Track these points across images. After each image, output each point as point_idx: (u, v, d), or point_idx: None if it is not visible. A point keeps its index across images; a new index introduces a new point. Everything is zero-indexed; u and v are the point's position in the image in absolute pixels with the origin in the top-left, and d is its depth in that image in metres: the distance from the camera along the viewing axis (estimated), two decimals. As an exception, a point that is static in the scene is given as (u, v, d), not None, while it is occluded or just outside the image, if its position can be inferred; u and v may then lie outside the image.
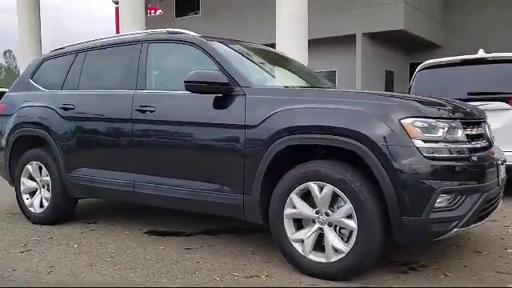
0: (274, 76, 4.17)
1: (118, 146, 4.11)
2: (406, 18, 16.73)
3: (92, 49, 4.63)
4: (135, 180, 3.99)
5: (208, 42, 3.86)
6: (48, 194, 4.67)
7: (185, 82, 3.49)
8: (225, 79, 3.49)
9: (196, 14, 21.12)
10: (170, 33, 4.22)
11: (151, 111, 3.87)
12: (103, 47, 4.55)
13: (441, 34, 19.70)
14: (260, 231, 4.24)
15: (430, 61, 6.40)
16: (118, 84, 4.30)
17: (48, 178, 4.64)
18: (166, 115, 3.80)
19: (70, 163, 4.44)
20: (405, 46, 19.21)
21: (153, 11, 22.52)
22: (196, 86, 3.48)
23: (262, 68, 4.17)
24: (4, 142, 5.02)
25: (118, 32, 36.56)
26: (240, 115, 3.40)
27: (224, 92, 3.51)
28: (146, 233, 4.40)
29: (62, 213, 4.70)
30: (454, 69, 6.05)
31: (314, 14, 14.19)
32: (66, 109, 4.50)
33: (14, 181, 4.96)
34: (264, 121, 3.28)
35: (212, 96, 3.57)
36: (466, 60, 5.97)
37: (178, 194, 3.73)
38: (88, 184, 4.34)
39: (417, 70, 6.47)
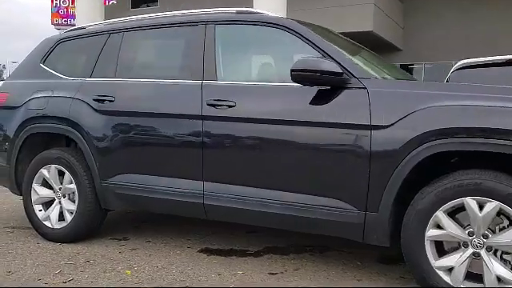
0: (371, 66, 3.55)
1: (181, 147, 3.36)
2: (375, 20, 16.66)
3: (132, 29, 3.81)
4: (206, 189, 3.25)
5: (302, 25, 3.19)
6: (72, 206, 3.80)
7: (292, 70, 2.83)
8: (339, 69, 2.85)
9: (154, 4, 20.00)
10: (240, 12, 3.50)
11: (230, 106, 3.15)
12: (148, 27, 3.75)
13: (401, 38, 19.90)
14: (333, 249, 3.65)
15: (467, 60, 6.04)
16: (174, 72, 3.55)
17: (73, 186, 3.78)
18: (252, 111, 3.11)
19: (109, 168, 3.61)
20: (368, 48, 19.15)
21: (107, 1, 21.15)
22: (306, 76, 2.83)
23: (359, 57, 3.54)
24: (9, 140, 4.07)
25: (53, 21, 34.46)
26: (362, 113, 2.78)
27: (336, 84, 2.88)
28: (200, 251, 3.68)
29: (89, 228, 3.86)
30: (495, 69, 5.70)
31: (292, 10, 13.74)
32: (101, 101, 3.66)
33: (22, 189, 4.03)
34: (400, 120, 2.68)
35: (314, 89, 2.93)
36: (510, 60, 5.64)
37: (269, 208, 3.05)
38: (134, 193, 3.54)
39: (452, 69, 6.08)
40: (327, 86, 2.90)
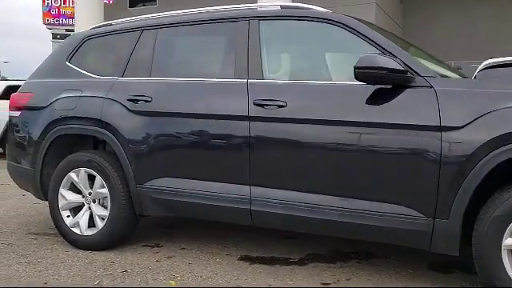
0: (430, 64, 3.37)
1: (225, 150, 3.18)
2: (377, 19, 16.53)
3: (167, 26, 3.61)
4: (254, 195, 3.06)
5: (357, 20, 3.01)
6: (103, 211, 3.60)
7: (356, 67, 2.66)
8: (402, 67, 2.68)
9: (152, 3, 19.74)
10: (285, 7, 3.32)
11: (280, 106, 2.97)
12: (185, 24, 3.55)
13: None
14: (378, 256, 3.49)
15: (494, 60, 5.91)
16: (215, 71, 3.37)
17: (105, 191, 3.57)
18: (305, 111, 2.93)
19: (145, 171, 3.42)
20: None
21: (105, 0, 20.83)
22: (371, 74, 2.66)
23: (415, 54, 3.36)
24: (33, 142, 3.86)
25: (44, 21, 34.03)
26: (430, 113, 2.62)
27: (400, 83, 2.72)
28: (240, 259, 3.49)
29: (122, 235, 3.66)
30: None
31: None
32: (136, 101, 3.47)
33: (48, 194, 3.81)
34: (474, 121, 2.52)
35: (373, 88, 2.77)
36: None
37: (325, 215, 2.87)
38: (173, 198, 3.34)
39: (479, 68, 5.95)
40: (390, 84, 2.73)
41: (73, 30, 31.12)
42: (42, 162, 3.79)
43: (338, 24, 3.00)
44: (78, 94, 3.69)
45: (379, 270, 3.26)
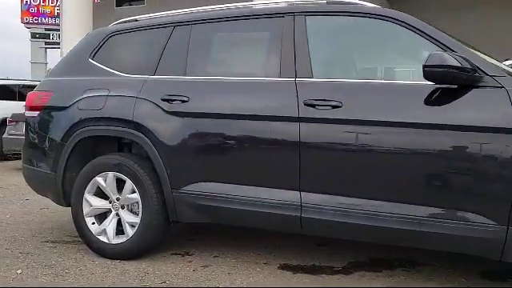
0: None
1: (272, 153, 3.00)
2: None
3: (203, 21, 3.41)
4: (305, 201, 2.88)
5: (413, 17, 2.87)
6: (133, 218, 3.38)
7: (425, 66, 2.50)
8: (470, 66, 2.54)
9: (140, 3, 19.40)
10: (331, 3, 3.15)
11: (335, 106, 2.81)
12: (223, 20, 3.35)
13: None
14: (422, 263, 3.35)
15: (513, 61, 5.85)
16: (257, 69, 3.19)
17: (136, 196, 3.35)
18: (363, 112, 2.76)
19: (182, 176, 3.21)
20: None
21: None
22: (440, 73, 2.50)
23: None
24: (55, 144, 3.62)
25: (22, 20, 33.10)
26: (503, 115, 2.48)
27: (467, 83, 2.58)
28: (281, 268, 3.32)
29: (152, 243, 3.45)
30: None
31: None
32: (171, 101, 3.26)
33: (71, 199, 3.57)
34: None
35: (433, 87, 2.62)
36: None
37: (384, 222, 2.71)
38: (212, 204, 3.14)
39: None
40: (457, 84, 2.58)
41: (56, 30, 30.54)
42: (65, 166, 3.54)
43: (395, 21, 2.85)
44: (106, 94, 3.46)
45: (430, 279, 3.12)
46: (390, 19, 2.88)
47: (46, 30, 33.41)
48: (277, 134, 2.96)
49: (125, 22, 3.84)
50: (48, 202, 5.45)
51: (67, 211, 4.95)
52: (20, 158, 8.55)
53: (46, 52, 35.95)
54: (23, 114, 8.56)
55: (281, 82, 3.00)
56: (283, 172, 2.95)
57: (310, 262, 3.43)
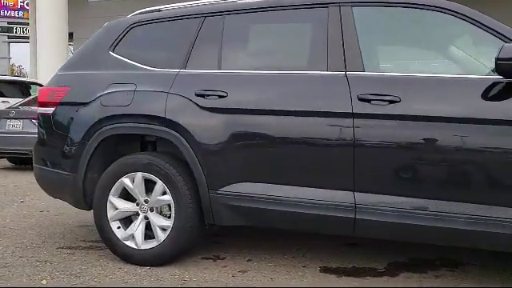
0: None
1: (321, 151, 2.84)
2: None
3: (237, 11, 3.21)
4: (359, 202, 2.74)
5: (476, 10, 2.75)
6: (165, 221, 3.17)
7: (498, 59, 2.39)
8: None
9: (115, -4, 18.84)
10: None
11: (392, 101, 2.67)
12: (260, 9, 3.16)
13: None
14: (466, 263, 3.27)
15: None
16: (301, 62, 3.03)
17: (168, 198, 3.14)
18: (424, 107, 2.63)
19: (221, 176, 3.02)
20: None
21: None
22: None
23: None
24: (74, 143, 3.36)
25: (-2, 9, 31.78)
26: None
27: None
28: (322, 271, 3.18)
29: (185, 247, 3.25)
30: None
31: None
32: (207, 96, 3.05)
33: (93, 202, 3.33)
34: None
35: (497, 81, 2.51)
36: None
37: (452, 223, 2.59)
38: (255, 206, 2.97)
39: None
40: None
41: (20, 23, 29.44)
42: (86, 167, 3.29)
43: (455, 13, 2.72)
44: (132, 89, 3.23)
45: (481, 279, 3.02)
46: (450, 11, 2.75)
47: (9, 23, 32.23)
48: (327, 130, 2.80)
49: (146, 12, 3.60)
50: (47, 204, 5.21)
51: (71, 214, 4.73)
52: (3, 157, 8.18)
53: (9, 46, 34.77)
54: (3, 110, 8.18)
55: (330, 75, 2.84)
56: (335, 171, 2.80)
57: (348, 263, 3.30)
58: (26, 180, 7.00)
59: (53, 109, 3.46)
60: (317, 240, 3.68)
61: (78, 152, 3.32)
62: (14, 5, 30.67)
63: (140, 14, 3.58)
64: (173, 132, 3.08)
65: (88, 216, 4.54)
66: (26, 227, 4.28)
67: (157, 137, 3.34)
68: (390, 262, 3.33)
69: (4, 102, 9.92)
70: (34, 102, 8.70)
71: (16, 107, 8.53)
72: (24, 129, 7.86)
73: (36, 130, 7.41)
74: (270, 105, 2.93)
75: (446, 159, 2.60)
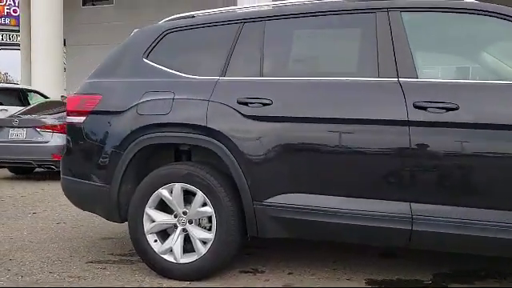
0: None
1: (373, 160, 2.76)
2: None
3: (278, 17, 3.13)
4: (416, 213, 2.65)
5: None
6: (205, 234, 3.06)
7: None
8: None
9: (109, 3, 18.69)
10: None
11: (449, 109, 2.60)
12: (302, 15, 3.08)
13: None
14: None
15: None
16: (349, 68, 2.95)
17: (208, 209, 3.03)
18: (484, 116, 2.58)
19: (266, 186, 2.92)
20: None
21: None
22: None
23: None
24: (109, 153, 3.24)
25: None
26: None
27: None
28: (369, 283, 3.11)
29: (226, 261, 3.13)
30: None
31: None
32: (250, 104, 2.96)
33: (128, 215, 3.21)
34: None
35: None
36: None
37: (509, 234, 2.52)
38: (303, 218, 2.87)
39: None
40: None
41: (4, 30, 28.95)
42: (122, 178, 3.17)
43: (508, 18, 2.66)
44: (171, 97, 3.12)
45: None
46: (498, 15, 2.69)
47: (-4, 30, 31.81)
48: (381, 138, 2.72)
49: (179, 18, 3.49)
50: (61, 216, 5.06)
51: (89, 226, 4.60)
52: (3, 167, 7.99)
53: (-5, 54, 34.28)
54: (6, 119, 8.00)
55: (382, 82, 2.77)
56: (389, 181, 2.71)
57: (393, 276, 3.21)
58: (33, 190, 6.84)
59: (84, 118, 3.34)
60: (349, 251, 3.61)
61: (112, 163, 3.20)
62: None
63: (173, 20, 3.48)
64: (215, 141, 2.98)
65: (109, 228, 4.44)
66: (46, 240, 4.13)
67: (191, 146, 3.23)
68: (435, 273, 3.25)
69: (2, 110, 9.69)
70: (36, 110, 8.54)
71: (17, 115, 8.33)
72: (28, 138, 7.68)
73: (40, 139, 7.42)
74: (317, 112, 2.84)
75: (508, 167, 2.53)
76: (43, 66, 13.15)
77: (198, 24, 3.35)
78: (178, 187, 3.07)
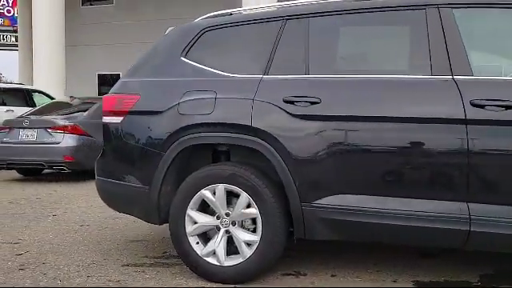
0: None
1: (430, 159, 2.71)
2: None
3: (323, 14, 3.06)
4: (474, 213, 2.60)
5: None
6: (250, 236, 2.99)
7: None
8: None
9: (108, 2, 18.53)
10: None
11: (509, 107, 2.56)
12: (348, 12, 3.02)
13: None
14: None
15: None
16: (400, 66, 2.91)
17: (254, 211, 2.97)
18: None
19: (315, 188, 2.86)
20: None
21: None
22: None
23: None
24: (149, 154, 3.17)
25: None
26: None
27: None
28: (418, 285, 3.03)
29: (272, 263, 3.07)
30: None
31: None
32: (297, 102, 2.90)
33: (169, 216, 3.14)
34: None
35: None
36: None
37: None
38: (356, 219, 2.80)
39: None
40: None
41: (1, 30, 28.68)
42: (163, 179, 3.10)
43: None
44: (213, 96, 3.05)
45: None
46: None
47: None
48: (437, 137, 2.67)
49: (216, 16, 3.42)
50: (84, 218, 4.98)
51: (114, 228, 4.54)
52: (13, 168, 7.86)
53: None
54: (16, 119, 7.89)
55: (436, 80, 2.72)
56: (446, 181, 2.66)
57: (439, 277, 3.16)
58: (46, 192, 6.74)
59: (121, 118, 3.26)
60: (386, 251, 3.55)
61: (152, 164, 3.12)
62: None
63: (210, 17, 3.41)
64: (261, 141, 2.92)
65: (135, 230, 4.38)
66: (74, 243, 4.05)
67: (230, 146, 3.17)
68: (481, 274, 3.20)
69: (8, 111, 9.56)
70: (46, 110, 8.44)
71: (26, 116, 8.22)
72: (39, 139, 7.56)
73: (51, 140, 7.31)
74: (369, 111, 2.78)
75: None
76: (45, 66, 13.02)
77: (237, 22, 3.28)
78: (221, 188, 3.01)
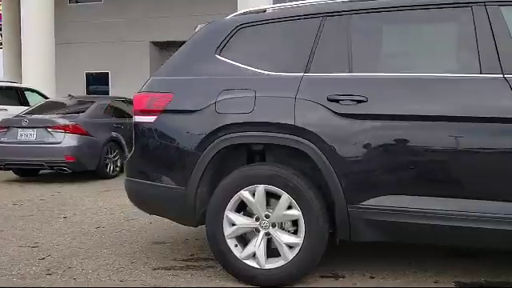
0: None
1: (487, 159, 2.68)
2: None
3: (365, 11, 3.00)
4: (532, 215, 2.57)
5: None
6: (292, 238, 2.93)
7: None
8: None
9: (97, 0, 18.23)
10: None
11: None
12: (392, 9, 2.96)
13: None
14: None
15: None
16: (447, 64, 2.87)
17: (296, 213, 2.90)
18: None
19: (362, 189, 2.80)
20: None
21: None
22: None
23: None
24: (185, 154, 3.08)
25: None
26: None
27: None
28: (459, 287, 2.98)
29: (314, 266, 3.00)
30: None
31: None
32: (341, 101, 2.84)
33: (207, 218, 3.05)
34: None
35: None
36: None
37: None
38: (408, 221, 2.74)
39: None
40: None
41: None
42: (200, 180, 3.01)
43: None
44: (252, 95, 2.97)
45: None
46: None
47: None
48: (494, 137, 2.64)
49: (250, 12, 3.34)
50: (97, 220, 4.86)
51: (131, 230, 4.46)
52: (10, 169, 7.66)
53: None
54: (14, 119, 7.68)
55: (487, 78, 2.68)
56: (503, 181, 2.62)
57: (479, 277, 3.13)
58: (48, 194, 6.57)
59: (154, 117, 3.16)
60: (420, 252, 3.52)
61: (189, 164, 3.03)
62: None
63: (245, 14, 3.33)
64: (304, 141, 2.85)
65: (154, 232, 4.29)
66: (94, 246, 3.94)
67: (265, 146, 3.10)
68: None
69: (2, 110, 9.31)
70: (44, 109, 8.24)
71: (24, 115, 8.01)
72: (38, 138, 7.37)
73: (52, 140, 7.12)
74: (419, 110, 2.73)
75: None
76: (34, 64, 12.73)
77: (273, 18, 3.21)
78: (261, 189, 2.93)
